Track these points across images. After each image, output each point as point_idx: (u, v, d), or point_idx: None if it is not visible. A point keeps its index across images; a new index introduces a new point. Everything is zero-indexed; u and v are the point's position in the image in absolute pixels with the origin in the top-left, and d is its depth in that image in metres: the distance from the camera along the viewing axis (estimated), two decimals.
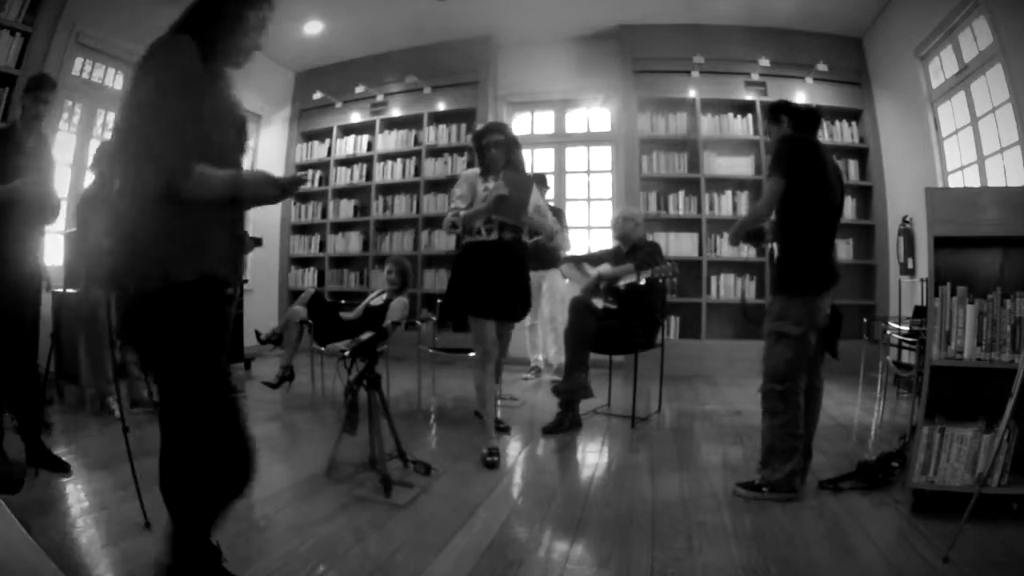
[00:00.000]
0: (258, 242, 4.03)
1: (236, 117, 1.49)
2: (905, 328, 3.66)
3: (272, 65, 6.66)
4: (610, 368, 4.18)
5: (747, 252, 5.58)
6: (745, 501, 2.37)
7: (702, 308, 5.58)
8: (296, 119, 7.02)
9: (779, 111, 2.62)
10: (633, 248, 3.82)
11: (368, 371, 2.58)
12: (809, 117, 2.57)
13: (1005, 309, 2.10)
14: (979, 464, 2.11)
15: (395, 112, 6.56)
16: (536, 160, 6.62)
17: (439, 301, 3.53)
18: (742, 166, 5.76)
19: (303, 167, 6.95)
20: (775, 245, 2.52)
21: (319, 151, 6.90)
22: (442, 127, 6.42)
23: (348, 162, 6.72)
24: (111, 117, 5.00)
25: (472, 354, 4.30)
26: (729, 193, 5.71)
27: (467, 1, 5.52)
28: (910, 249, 4.97)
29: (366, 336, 3.00)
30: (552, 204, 5.16)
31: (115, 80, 5.07)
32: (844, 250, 5.54)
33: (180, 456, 1.40)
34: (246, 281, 4.48)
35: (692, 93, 5.83)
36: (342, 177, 6.73)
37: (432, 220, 6.28)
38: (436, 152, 6.42)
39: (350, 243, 6.66)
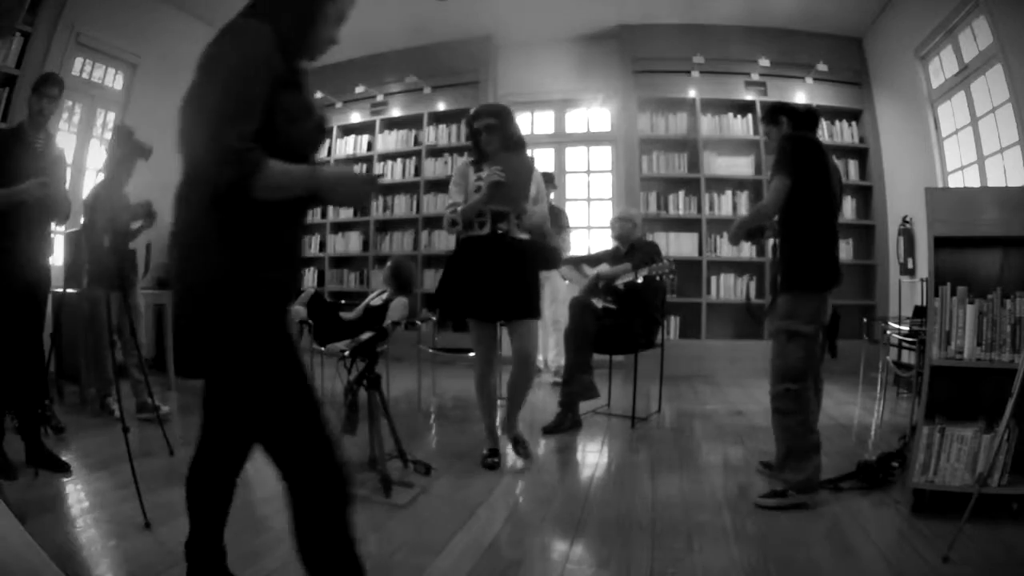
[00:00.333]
0: None
1: (315, 113, 1.34)
2: (905, 328, 3.66)
3: None
4: (610, 368, 4.18)
5: (747, 252, 5.59)
6: (745, 501, 2.36)
7: (702, 308, 5.58)
8: None
9: (777, 112, 2.61)
10: (632, 248, 3.82)
11: (368, 371, 2.58)
12: (808, 116, 2.57)
13: (1005, 309, 2.10)
14: (979, 464, 2.10)
15: (395, 112, 6.56)
16: (536, 160, 6.61)
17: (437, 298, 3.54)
18: (742, 166, 5.76)
19: None
20: (779, 243, 2.51)
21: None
22: (442, 127, 6.43)
23: (348, 162, 6.72)
24: (111, 117, 5.01)
25: (472, 354, 4.33)
26: (729, 193, 5.71)
27: (467, 1, 5.52)
28: (910, 249, 4.97)
29: (366, 336, 3.00)
30: (553, 204, 5.15)
31: (115, 80, 5.07)
32: (844, 250, 5.54)
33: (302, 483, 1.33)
34: None
35: (692, 93, 5.83)
36: None
37: (432, 220, 6.28)
38: (436, 152, 6.42)
39: (350, 243, 6.66)
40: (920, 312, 3.80)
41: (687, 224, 5.75)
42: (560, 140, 6.54)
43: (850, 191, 5.55)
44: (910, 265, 4.95)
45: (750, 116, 5.75)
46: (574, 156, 6.53)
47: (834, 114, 5.65)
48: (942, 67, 4.59)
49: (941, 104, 4.63)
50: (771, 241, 2.67)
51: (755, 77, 5.74)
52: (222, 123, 1.13)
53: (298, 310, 4.26)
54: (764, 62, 5.63)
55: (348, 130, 6.77)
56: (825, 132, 5.53)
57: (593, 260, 4.06)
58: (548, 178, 5.12)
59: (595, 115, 6.45)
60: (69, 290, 3.71)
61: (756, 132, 5.68)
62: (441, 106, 6.43)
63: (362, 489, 2.43)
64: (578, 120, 6.52)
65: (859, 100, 5.66)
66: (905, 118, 5.12)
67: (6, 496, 2.03)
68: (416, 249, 6.36)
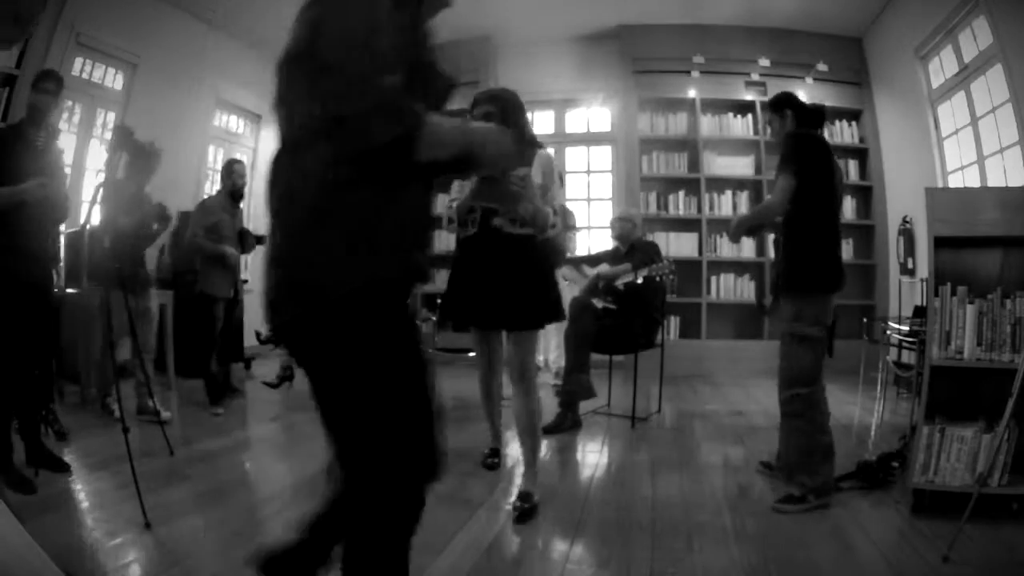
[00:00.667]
0: (260, 240, 4.02)
1: (444, 71, 1.15)
2: (905, 328, 3.66)
3: (272, 65, 6.65)
4: (610, 368, 4.18)
5: (748, 252, 5.59)
6: (745, 501, 2.36)
7: (702, 308, 5.58)
8: None
9: (784, 104, 2.54)
10: (632, 248, 3.82)
11: None
12: (814, 114, 2.52)
13: (1005, 309, 2.10)
14: (979, 464, 2.10)
15: None
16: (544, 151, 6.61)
17: (438, 301, 3.53)
18: (742, 166, 5.76)
19: None
20: (782, 243, 2.48)
21: None
22: None
23: None
24: (111, 117, 5.00)
25: (471, 354, 4.33)
26: (729, 193, 5.71)
27: (467, 1, 5.52)
28: (910, 249, 4.97)
29: None
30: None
31: (115, 80, 5.07)
32: (844, 250, 5.50)
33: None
34: (246, 281, 4.47)
35: (692, 93, 5.83)
36: None
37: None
38: None
39: None
40: (920, 312, 3.80)
41: (687, 224, 5.75)
42: (560, 140, 6.53)
43: (850, 191, 5.55)
44: (910, 265, 4.95)
45: (750, 116, 5.75)
46: (574, 156, 6.53)
47: (834, 114, 5.64)
48: (942, 67, 4.59)
49: (941, 104, 4.64)
50: (771, 237, 2.64)
51: (755, 77, 5.74)
52: (375, 74, 0.94)
53: None
54: (764, 62, 5.63)
55: None
56: (825, 132, 5.52)
57: (593, 260, 4.06)
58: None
59: (595, 115, 6.45)
60: (69, 290, 3.72)
61: (756, 132, 5.68)
62: None
63: None
64: (578, 120, 6.52)
65: (859, 100, 5.66)
66: (905, 118, 5.12)
67: (6, 496, 2.03)
68: None
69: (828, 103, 5.54)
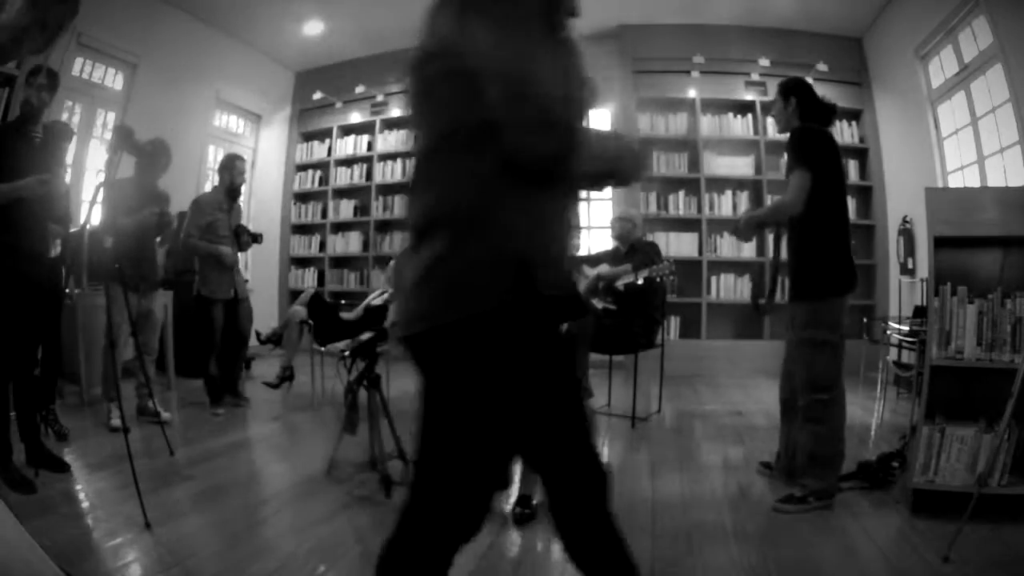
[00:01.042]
0: (256, 238, 4.00)
1: (588, 78, 1.08)
2: (905, 328, 3.66)
3: (272, 65, 6.66)
4: (610, 368, 4.18)
5: (748, 252, 5.58)
6: (745, 501, 2.36)
7: (702, 308, 5.58)
8: (296, 119, 7.02)
9: (791, 91, 2.43)
10: (632, 248, 3.82)
11: (368, 371, 2.57)
12: (824, 109, 2.43)
13: (1005, 309, 2.10)
14: (979, 464, 2.10)
15: (395, 112, 6.56)
16: None
17: None
18: (742, 166, 5.76)
19: (302, 167, 6.97)
20: (794, 244, 2.41)
21: (319, 151, 6.90)
22: None
23: (348, 162, 6.72)
24: (111, 117, 5.01)
25: None
26: (729, 193, 5.71)
27: None
28: (910, 249, 4.97)
29: (366, 336, 3.00)
30: None
31: (115, 80, 5.07)
32: None
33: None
34: (246, 280, 4.47)
35: (692, 93, 5.83)
36: (342, 177, 6.73)
37: None
38: None
39: (350, 243, 6.66)
40: (920, 312, 3.80)
41: (687, 224, 5.75)
42: None
43: (850, 191, 5.52)
44: (910, 265, 4.95)
45: (750, 116, 5.75)
46: None
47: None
48: (942, 67, 4.59)
49: (941, 104, 4.63)
50: (771, 236, 2.59)
51: (755, 77, 5.74)
52: (538, 85, 0.92)
53: (299, 310, 4.26)
54: (764, 62, 5.63)
55: (348, 130, 6.77)
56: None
57: (593, 260, 4.06)
58: None
59: (595, 115, 6.44)
60: (69, 290, 3.71)
61: (756, 132, 5.69)
62: None
63: (362, 489, 2.43)
64: None
65: (859, 100, 5.66)
66: (905, 118, 5.12)
67: (6, 496, 2.03)
68: None
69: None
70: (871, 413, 3.89)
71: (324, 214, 6.81)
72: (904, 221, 5.08)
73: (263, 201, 6.70)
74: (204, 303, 3.72)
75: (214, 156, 6.20)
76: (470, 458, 1.01)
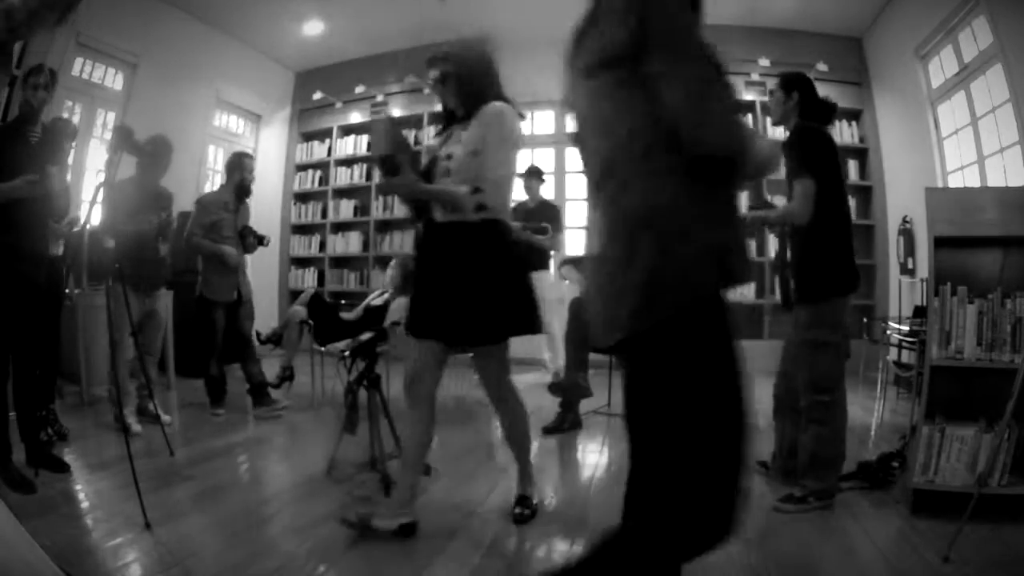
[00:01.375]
0: (262, 240, 3.98)
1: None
2: (905, 328, 3.66)
3: (272, 65, 6.66)
4: (610, 368, 4.18)
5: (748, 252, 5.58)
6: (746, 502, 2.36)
7: None
8: (296, 119, 7.03)
9: (794, 85, 2.40)
10: None
11: (368, 371, 2.58)
12: (824, 108, 2.42)
13: (1005, 309, 2.10)
14: (979, 464, 2.10)
15: (395, 112, 6.56)
16: (536, 160, 6.61)
17: None
18: None
19: (302, 167, 6.97)
20: (797, 244, 2.40)
21: (319, 151, 6.90)
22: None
23: (348, 162, 6.72)
24: (111, 117, 5.01)
25: (471, 354, 4.31)
26: None
27: (467, 1, 5.52)
28: (910, 249, 4.97)
29: (366, 336, 3.01)
30: (550, 201, 5.13)
31: (115, 80, 5.07)
32: None
33: None
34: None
35: None
36: (342, 177, 6.73)
37: None
38: None
39: (350, 243, 6.67)
40: (920, 312, 3.80)
41: None
42: (560, 140, 6.53)
43: (850, 191, 5.53)
44: (910, 265, 4.95)
45: (750, 116, 5.75)
46: (574, 156, 6.52)
47: None
48: (942, 67, 4.59)
49: (941, 104, 4.63)
50: (777, 235, 2.58)
51: (755, 77, 5.74)
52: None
53: (299, 310, 4.26)
54: (764, 62, 5.63)
55: (348, 130, 6.77)
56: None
57: None
58: (535, 171, 5.09)
59: None
60: (69, 290, 3.72)
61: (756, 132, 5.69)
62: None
63: (362, 489, 2.43)
64: None
65: (859, 100, 5.66)
66: (905, 118, 5.12)
67: (6, 496, 2.03)
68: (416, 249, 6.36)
69: None
70: (871, 413, 3.88)
71: (324, 214, 6.81)
72: (904, 221, 5.08)
73: (263, 201, 6.69)
74: (205, 305, 3.67)
75: (214, 156, 6.21)
76: (724, 444, 1.01)
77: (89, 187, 4.75)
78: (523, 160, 6.72)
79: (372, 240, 6.52)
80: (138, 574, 1.72)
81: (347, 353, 3.10)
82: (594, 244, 1.05)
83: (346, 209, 6.69)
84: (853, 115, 5.69)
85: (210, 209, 3.66)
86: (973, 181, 4.27)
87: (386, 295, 4.29)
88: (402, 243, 6.46)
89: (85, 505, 2.23)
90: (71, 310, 3.69)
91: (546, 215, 4.85)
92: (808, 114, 2.39)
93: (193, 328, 3.99)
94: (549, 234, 4.71)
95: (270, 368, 4.68)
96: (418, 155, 2.25)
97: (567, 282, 4.41)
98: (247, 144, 6.56)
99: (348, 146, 6.75)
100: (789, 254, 2.48)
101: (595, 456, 3.08)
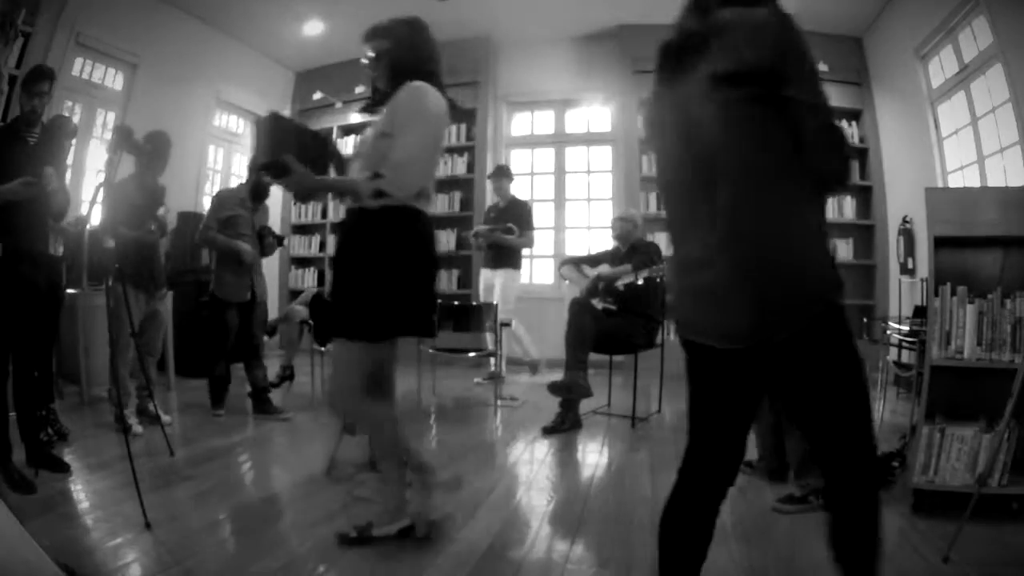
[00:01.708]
0: (281, 241, 3.97)
1: None
2: (905, 328, 3.66)
3: (272, 65, 6.66)
4: (610, 368, 4.18)
5: None
6: (745, 501, 2.36)
7: None
8: (296, 119, 7.02)
9: None
10: (632, 249, 3.82)
11: None
12: None
13: (1005, 309, 2.10)
14: (979, 464, 2.10)
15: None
16: (536, 160, 6.62)
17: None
18: None
19: None
20: None
21: None
22: None
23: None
24: (111, 117, 5.01)
25: (472, 354, 4.33)
26: None
27: (467, 1, 5.52)
28: (910, 249, 4.97)
29: None
30: (519, 199, 5.11)
31: (115, 80, 5.07)
32: (844, 250, 5.54)
33: None
34: None
35: None
36: None
37: (432, 220, 6.27)
38: None
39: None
40: (920, 312, 3.80)
41: None
42: (560, 140, 6.54)
43: (850, 191, 5.54)
44: (910, 265, 4.95)
45: None
46: (574, 156, 6.53)
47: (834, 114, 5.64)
48: (942, 67, 4.59)
49: (941, 104, 4.63)
50: None
51: None
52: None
53: (299, 310, 4.27)
54: None
55: (348, 130, 6.77)
56: None
57: (593, 261, 4.06)
58: (503, 171, 5.07)
59: (595, 115, 6.45)
60: (70, 290, 3.71)
61: None
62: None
63: (362, 489, 2.43)
64: (578, 120, 6.52)
65: (859, 100, 5.65)
66: (905, 118, 5.12)
67: (6, 496, 2.03)
68: None
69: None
70: (871, 413, 3.88)
71: (324, 214, 6.81)
72: (904, 221, 5.08)
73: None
74: (218, 305, 3.58)
75: (214, 156, 6.21)
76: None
77: (89, 187, 4.75)
78: (502, 157, 6.68)
79: None
80: (138, 574, 1.72)
81: None
82: (701, 247, 1.14)
83: None
84: (853, 115, 5.69)
85: (226, 204, 3.58)
86: (973, 181, 4.27)
87: None
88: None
89: (85, 505, 2.22)
90: (71, 310, 3.69)
91: (514, 213, 4.85)
92: None
93: (204, 328, 3.94)
94: (516, 233, 4.72)
95: (270, 368, 4.68)
96: (322, 138, 2.13)
97: (567, 282, 4.41)
98: (247, 144, 6.56)
99: (348, 146, 6.73)
100: None
101: (595, 456, 3.09)
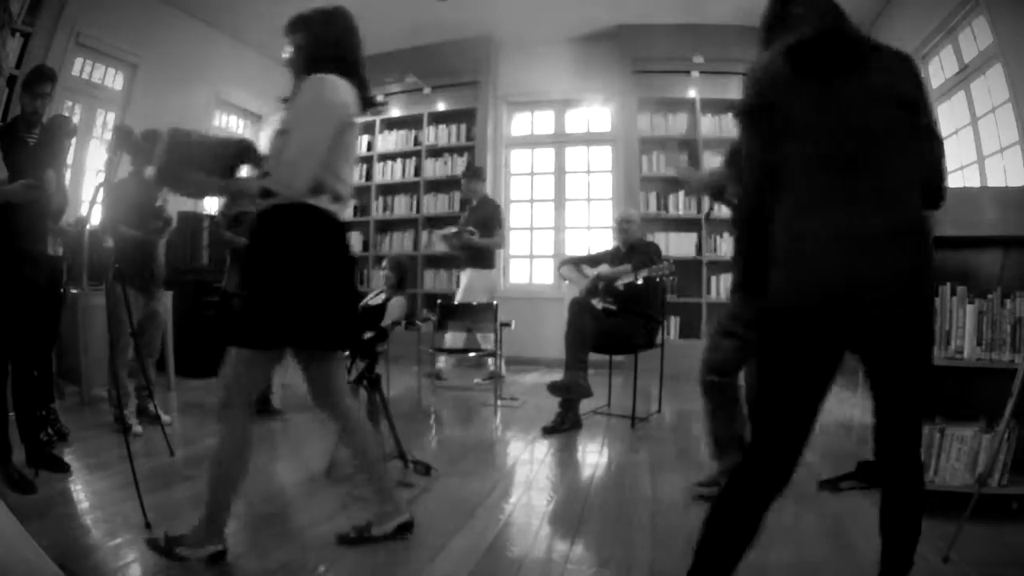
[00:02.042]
0: None
1: None
2: None
3: (272, 65, 6.65)
4: (610, 368, 4.18)
5: None
6: None
7: (702, 308, 5.58)
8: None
9: None
10: (632, 248, 3.82)
11: (368, 371, 2.57)
12: None
13: (1005, 309, 2.10)
14: (979, 464, 2.11)
15: (395, 112, 6.56)
16: (536, 160, 6.63)
17: (439, 302, 3.52)
18: None
19: None
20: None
21: None
22: (442, 127, 6.43)
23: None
24: (111, 117, 5.01)
25: (472, 354, 4.32)
26: None
27: (467, 1, 5.52)
28: None
29: (365, 336, 3.00)
30: (489, 197, 5.09)
31: (115, 80, 5.07)
32: None
33: None
34: None
35: (692, 93, 5.83)
36: None
37: (432, 220, 6.28)
38: (436, 152, 6.42)
39: (350, 243, 6.66)
40: None
41: (687, 224, 5.75)
42: (560, 140, 6.54)
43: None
44: None
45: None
46: (574, 156, 6.53)
47: None
48: (942, 67, 4.59)
49: (941, 104, 4.63)
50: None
51: None
52: None
53: None
54: None
55: None
56: None
57: (593, 260, 4.06)
58: (475, 172, 5.04)
59: (595, 115, 6.45)
60: (70, 290, 3.71)
61: None
62: (441, 106, 6.43)
63: (362, 489, 2.43)
64: (578, 120, 6.52)
65: None
66: None
67: (6, 496, 2.03)
68: (416, 249, 6.36)
69: None
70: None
71: None
72: None
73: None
74: (228, 300, 3.57)
75: None
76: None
77: (89, 187, 4.75)
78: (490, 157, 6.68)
79: (372, 240, 6.52)
80: (138, 574, 1.72)
81: (347, 353, 3.08)
82: (860, 212, 1.27)
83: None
84: None
85: (237, 200, 3.55)
86: (973, 181, 4.27)
87: (384, 295, 4.29)
88: (402, 243, 6.46)
89: (85, 505, 2.22)
90: (71, 310, 3.68)
91: (483, 213, 4.84)
92: None
93: (214, 326, 3.90)
94: (476, 235, 4.70)
95: None
96: (234, 144, 2.03)
97: (567, 282, 4.41)
98: None
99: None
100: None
101: (595, 456, 3.09)
